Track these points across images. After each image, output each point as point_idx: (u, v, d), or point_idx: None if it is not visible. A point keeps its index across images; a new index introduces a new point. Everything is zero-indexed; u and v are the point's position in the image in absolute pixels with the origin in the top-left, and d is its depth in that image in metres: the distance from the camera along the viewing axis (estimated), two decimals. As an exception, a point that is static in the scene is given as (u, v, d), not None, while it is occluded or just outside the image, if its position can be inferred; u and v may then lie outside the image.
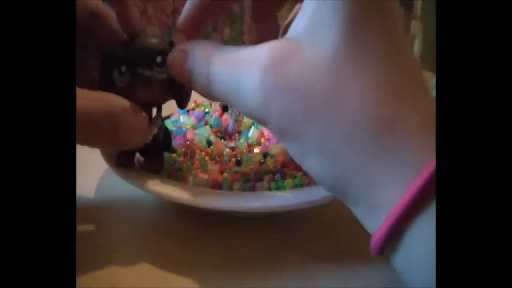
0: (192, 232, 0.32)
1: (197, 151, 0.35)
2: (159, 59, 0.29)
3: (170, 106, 0.43)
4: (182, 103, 0.32)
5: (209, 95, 0.26)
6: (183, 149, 0.35)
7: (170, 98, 0.31)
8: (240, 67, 0.24)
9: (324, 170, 0.22)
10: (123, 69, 0.29)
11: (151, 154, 0.32)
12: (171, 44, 0.30)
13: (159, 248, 0.30)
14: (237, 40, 0.56)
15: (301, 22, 0.23)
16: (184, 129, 0.38)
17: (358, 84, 0.21)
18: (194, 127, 0.39)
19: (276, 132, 0.24)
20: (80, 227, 0.32)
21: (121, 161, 0.32)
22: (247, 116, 0.26)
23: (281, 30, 0.33)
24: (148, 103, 0.30)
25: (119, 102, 0.28)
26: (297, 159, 0.24)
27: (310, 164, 0.23)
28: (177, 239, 0.31)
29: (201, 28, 0.30)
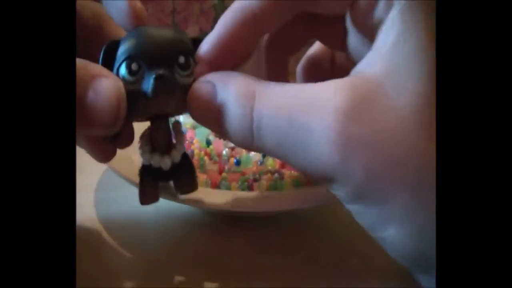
0: (192, 232, 0.32)
1: (196, 151, 0.35)
2: (181, 59, 0.23)
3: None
4: (190, 185, 0.28)
5: (250, 145, 0.21)
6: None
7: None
8: (302, 112, 0.19)
9: (407, 241, 0.18)
10: (134, 66, 0.23)
11: (182, 174, 0.28)
12: (196, 41, 0.24)
13: (159, 247, 0.31)
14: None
15: (377, 62, 0.19)
16: (184, 128, 0.38)
17: None
18: (194, 127, 0.39)
19: (351, 194, 0.19)
20: (80, 227, 0.32)
21: (144, 194, 0.27)
22: (307, 173, 0.20)
23: (301, 71, 0.30)
24: (165, 113, 0.24)
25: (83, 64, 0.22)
26: (370, 225, 0.20)
27: (389, 233, 0.19)
28: (177, 238, 0.31)
29: (233, 61, 0.23)
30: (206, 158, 0.35)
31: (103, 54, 0.23)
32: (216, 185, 0.32)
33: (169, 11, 0.54)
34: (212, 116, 0.21)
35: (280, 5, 0.22)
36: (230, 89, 0.21)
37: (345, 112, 0.18)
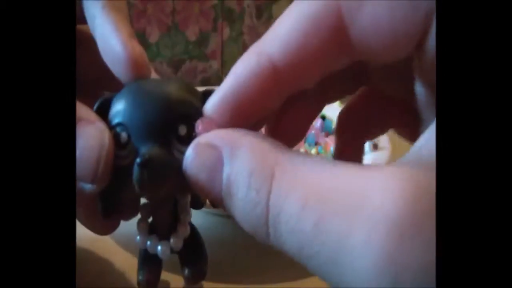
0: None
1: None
2: (182, 130, 0.18)
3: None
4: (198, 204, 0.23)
5: (264, 238, 0.15)
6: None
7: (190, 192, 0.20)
8: (338, 214, 0.13)
9: None
10: (123, 137, 0.18)
11: (189, 258, 0.23)
12: (204, 96, 0.18)
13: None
14: (237, 40, 0.56)
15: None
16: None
17: None
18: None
19: None
20: (80, 227, 0.32)
21: (144, 283, 0.23)
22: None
23: (340, 120, 0.23)
24: (162, 197, 0.20)
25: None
26: None
27: None
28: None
29: (248, 123, 0.17)
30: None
31: (96, 111, 0.20)
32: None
33: (169, 11, 0.54)
34: (215, 193, 0.16)
35: (317, 49, 0.15)
36: (240, 161, 0.15)
37: (402, 227, 0.12)
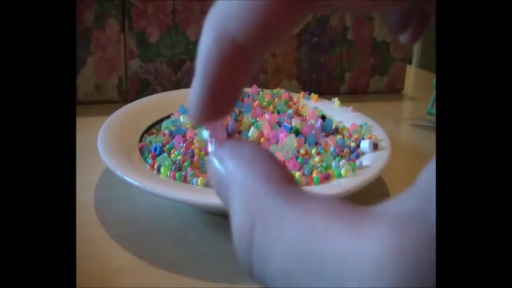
0: (192, 232, 0.32)
1: (196, 150, 0.35)
2: None
3: (170, 106, 0.43)
4: None
5: (248, 266, 0.14)
6: (183, 149, 0.35)
7: None
8: (329, 246, 0.13)
9: None
10: None
11: None
12: None
13: (159, 247, 0.31)
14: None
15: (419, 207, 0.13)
16: (183, 128, 0.38)
17: None
18: (194, 127, 0.39)
19: None
20: (80, 227, 0.32)
21: None
22: None
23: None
24: None
25: None
26: None
27: None
28: (177, 238, 0.31)
29: (229, 103, 0.17)
30: (206, 158, 0.35)
31: None
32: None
33: (169, 11, 0.54)
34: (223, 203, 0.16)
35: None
36: (234, 195, 0.15)
37: (392, 269, 0.12)
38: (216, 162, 0.16)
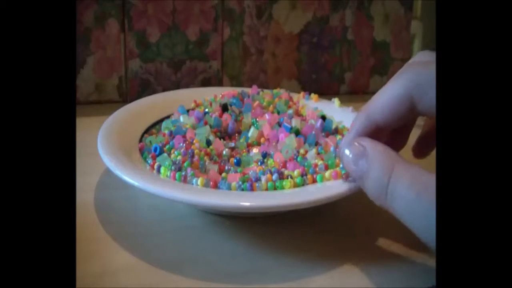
0: (192, 232, 0.32)
1: (196, 151, 0.35)
2: None
3: (170, 106, 0.43)
4: None
5: (383, 201, 0.26)
6: (183, 149, 0.35)
7: None
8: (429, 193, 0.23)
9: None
10: None
11: None
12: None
13: (159, 247, 0.31)
14: (237, 40, 0.56)
15: None
16: (184, 129, 0.38)
17: None
18: (194, 127, 0.39)
19: None
20: (80, 227, 0.32)
21: None
22: (430, 244, 0.24)
23: (414, 147, 0.34)
24: None
25: None
26: None
27: None
28: (177, 238, 0.31)
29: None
30: (206, 158, 0.35)
31: None
32: (216, 185, 0.32)
33: (169, 11, 0.54)
34: (355, 173, 0.27)
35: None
36: (375, 157, 0.27)
37: None
38: (356, 145, 0.28)
